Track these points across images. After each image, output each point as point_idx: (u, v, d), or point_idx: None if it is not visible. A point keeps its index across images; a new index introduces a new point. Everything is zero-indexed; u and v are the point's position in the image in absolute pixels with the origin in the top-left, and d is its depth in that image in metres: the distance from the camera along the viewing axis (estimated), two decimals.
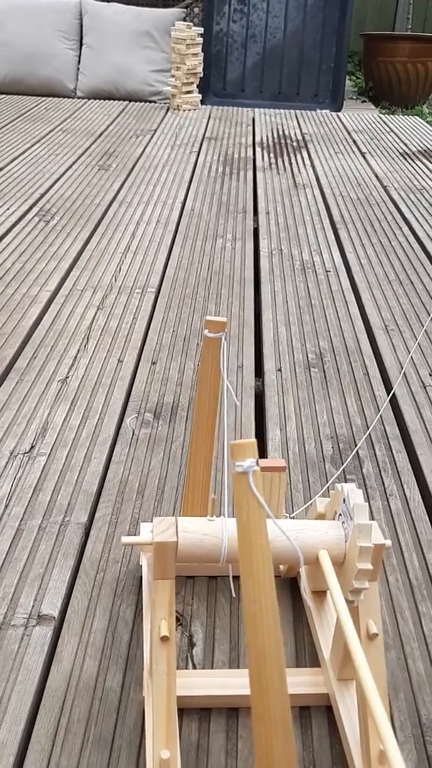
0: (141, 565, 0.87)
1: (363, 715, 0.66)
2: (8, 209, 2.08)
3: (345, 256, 1.89)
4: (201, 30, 3.52)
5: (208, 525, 0.63)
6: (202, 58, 3.53)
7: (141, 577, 0.87)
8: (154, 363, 1.35)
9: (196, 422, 0.76)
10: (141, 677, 0.76)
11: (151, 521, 0.96)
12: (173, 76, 3.54)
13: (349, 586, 0.60)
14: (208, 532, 0.62)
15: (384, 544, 0.62)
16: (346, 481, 1.05)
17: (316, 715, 0.74)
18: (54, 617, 0.82)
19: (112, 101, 3.72)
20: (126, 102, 3.71)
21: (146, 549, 0.86)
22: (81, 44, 3.82)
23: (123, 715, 0.72)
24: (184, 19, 3.71)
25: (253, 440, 0.38)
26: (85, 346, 1.39)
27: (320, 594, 0.84)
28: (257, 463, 0.39)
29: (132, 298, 1.59)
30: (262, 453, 1.12)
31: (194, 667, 0.77)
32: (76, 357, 1.35)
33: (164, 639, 0.61)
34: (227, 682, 0.75)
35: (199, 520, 0.63)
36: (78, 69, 3.82)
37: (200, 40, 3.49)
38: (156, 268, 1.75)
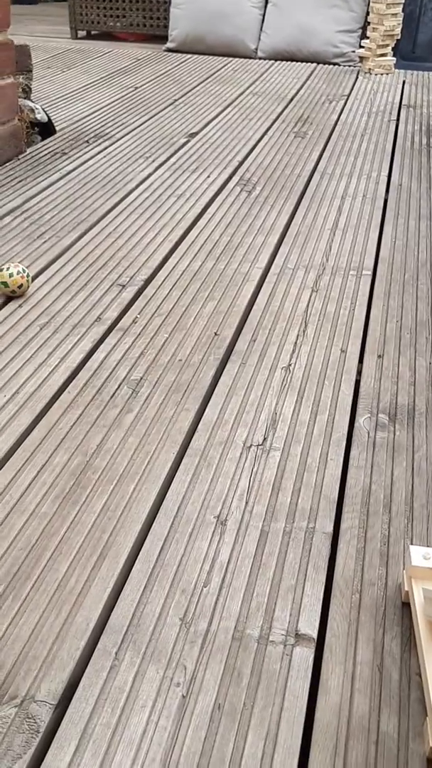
0: (406, 592, 0.80)
1: None
2: (209, 176, 2.03)
3: None
4: None
5: None
6: (401, 18, 3.30)
7: (403, 605, 0.80)
8: (380, 356, 1.25)
9: None
10: (419, 725, 0.68)
11: (413, 543, 0.88)
12: (368, 37, 3.34)
13: None
14: None
15: None
16: None
17: None
18: (313, 638, 0.76)
19: (297, 63, 3.58)
20: (313, 64, 3.56)
21: (418, 576, 0.78)
22: (266, 2, 3.69)
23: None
24: None
25: None
26: (304, 332, 1.31)
27: None
28: None
29: (347, 280, 1.50)
30: None
31: None
32: (296, 343, 1.28)
33: None
34: None
35: None
36: (261, 28, 3.70)
37: None
38: (368, 248, 1.64)
